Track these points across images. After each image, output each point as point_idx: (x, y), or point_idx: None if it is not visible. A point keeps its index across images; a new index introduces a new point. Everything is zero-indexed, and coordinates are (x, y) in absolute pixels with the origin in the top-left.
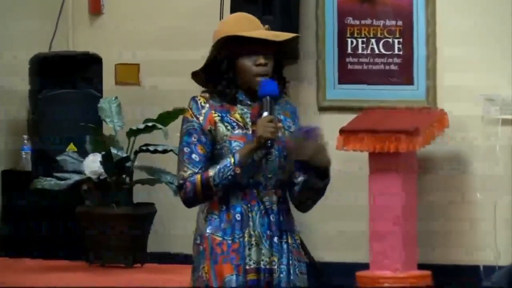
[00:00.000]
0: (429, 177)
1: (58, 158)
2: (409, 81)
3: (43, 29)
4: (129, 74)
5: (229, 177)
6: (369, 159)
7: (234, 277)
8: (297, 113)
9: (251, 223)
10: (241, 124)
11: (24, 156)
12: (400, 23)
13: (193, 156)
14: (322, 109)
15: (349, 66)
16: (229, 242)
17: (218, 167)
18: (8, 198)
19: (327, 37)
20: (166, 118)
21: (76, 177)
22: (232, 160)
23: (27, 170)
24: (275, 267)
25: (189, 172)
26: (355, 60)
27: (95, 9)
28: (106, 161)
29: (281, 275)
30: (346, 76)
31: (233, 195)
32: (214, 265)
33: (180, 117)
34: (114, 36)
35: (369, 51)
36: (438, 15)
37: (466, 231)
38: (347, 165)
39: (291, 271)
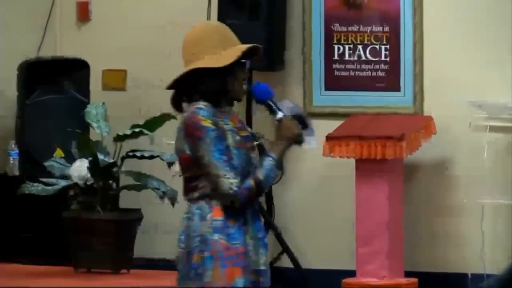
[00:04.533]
0: (415, 183)
1: (46, 163)
2: (396, 87)
3: (32, 35)
4: (116, 79)
5: (273, 179)
6: (355, 166)
7: (242, 279)
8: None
9: (249, 227)
10: (236, 131)
11: (11, 161)
12: (387, 29)
13: (233, 162)
14: (309, 115)
15: (336, 73)
16: (237, 246)
17: (264, 171)
18: None
19: (313, 43)
20: (152, 124)
21: (63, 183)
22: (272, 162)
23: (14, 175)
24: (265, 268)
25: (238, 178)
26: (342, 66)
27: (83, 15)
28: (93, 166)
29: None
30: (333, 82)
31: None
32: (223, 268)
33: (167, 123)
34: (102, 42)
35: (355, 58)
36: (425, 21)
37: (453, 238)
38: (334, 171)
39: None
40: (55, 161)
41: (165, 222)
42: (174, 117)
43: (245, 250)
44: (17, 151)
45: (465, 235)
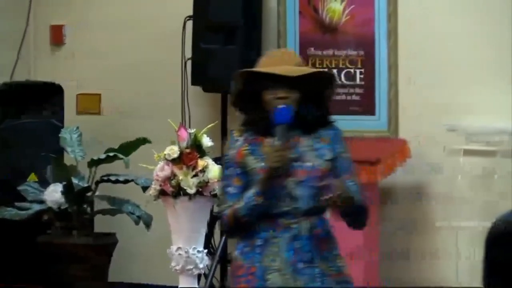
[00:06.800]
0: (390, 207)
1: (19, 187)
2: (370, 111)
3: (5, 59)
4: (91, 103)
5: (253, 207)
6: None
7: None
8: (339, 136)
9: (275, 249)
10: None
11: None
12: (362, 53)
13: (229, 189)
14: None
15: None
16: (248, 265)
17: (244, 200)
18: None
19: None
20: (127, 148)
21: (37, 207)
22: (253, 191)
23: None
24: None
25: (225, 205)
26: None
27: (57, 39)
28: (67, 191)
29: None
30: None
31: (262, 222)
32: (236, 285)
33: (142, 147)
34: (76, 66)
35: None
36: (400, 45)
37: (428, 260)
38: None
39: None
40: (29, 185)
41: (140, 246)
42: (149, 141)
43: (256, 270)
44: None
45: (439, 258)
